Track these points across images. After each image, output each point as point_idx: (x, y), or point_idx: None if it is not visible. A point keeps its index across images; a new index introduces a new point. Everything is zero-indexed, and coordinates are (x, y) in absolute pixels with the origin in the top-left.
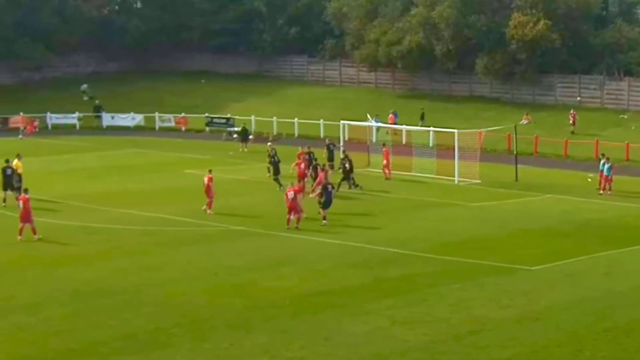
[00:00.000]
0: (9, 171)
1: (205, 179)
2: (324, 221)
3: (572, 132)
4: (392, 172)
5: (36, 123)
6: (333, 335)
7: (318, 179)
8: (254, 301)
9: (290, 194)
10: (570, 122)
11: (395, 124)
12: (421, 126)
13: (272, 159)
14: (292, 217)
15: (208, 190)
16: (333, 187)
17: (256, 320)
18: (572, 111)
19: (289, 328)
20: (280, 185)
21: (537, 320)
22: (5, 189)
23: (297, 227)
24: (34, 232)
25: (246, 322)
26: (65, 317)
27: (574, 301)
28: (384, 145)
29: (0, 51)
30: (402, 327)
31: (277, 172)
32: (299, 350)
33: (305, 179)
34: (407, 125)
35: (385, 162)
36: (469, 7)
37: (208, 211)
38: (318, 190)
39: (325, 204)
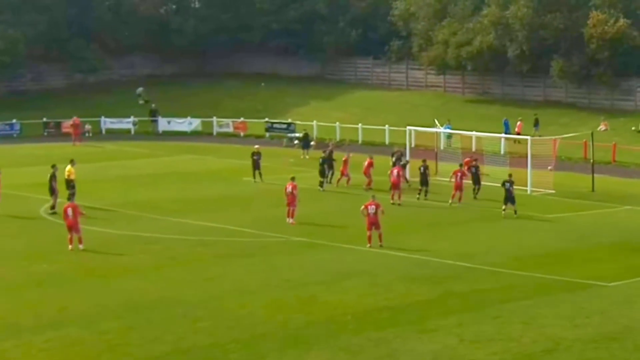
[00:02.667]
0: (49, 176)
1: (290, 187)
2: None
3: None
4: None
5: (88, 127)
6: (397, 354)
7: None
8: (315, 316)
9: (371, 208)
10: None
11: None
12: (535, 133)
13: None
14: (373, 232)
15: (293, 198)
16: (512, 184)
17: (317, 336)
18: None
19: (351, 345)
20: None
21: (615, 340)
22: (50, 195)
23: (380, 245)
24: (80, 242)
25: (306, 338)
26: (119, 331)
27: None
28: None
29: (53, 52)
30: (470, 346)
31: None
32: None
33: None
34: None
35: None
36: (545, 6)
37: (290, 220)
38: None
39: (508, 200)
